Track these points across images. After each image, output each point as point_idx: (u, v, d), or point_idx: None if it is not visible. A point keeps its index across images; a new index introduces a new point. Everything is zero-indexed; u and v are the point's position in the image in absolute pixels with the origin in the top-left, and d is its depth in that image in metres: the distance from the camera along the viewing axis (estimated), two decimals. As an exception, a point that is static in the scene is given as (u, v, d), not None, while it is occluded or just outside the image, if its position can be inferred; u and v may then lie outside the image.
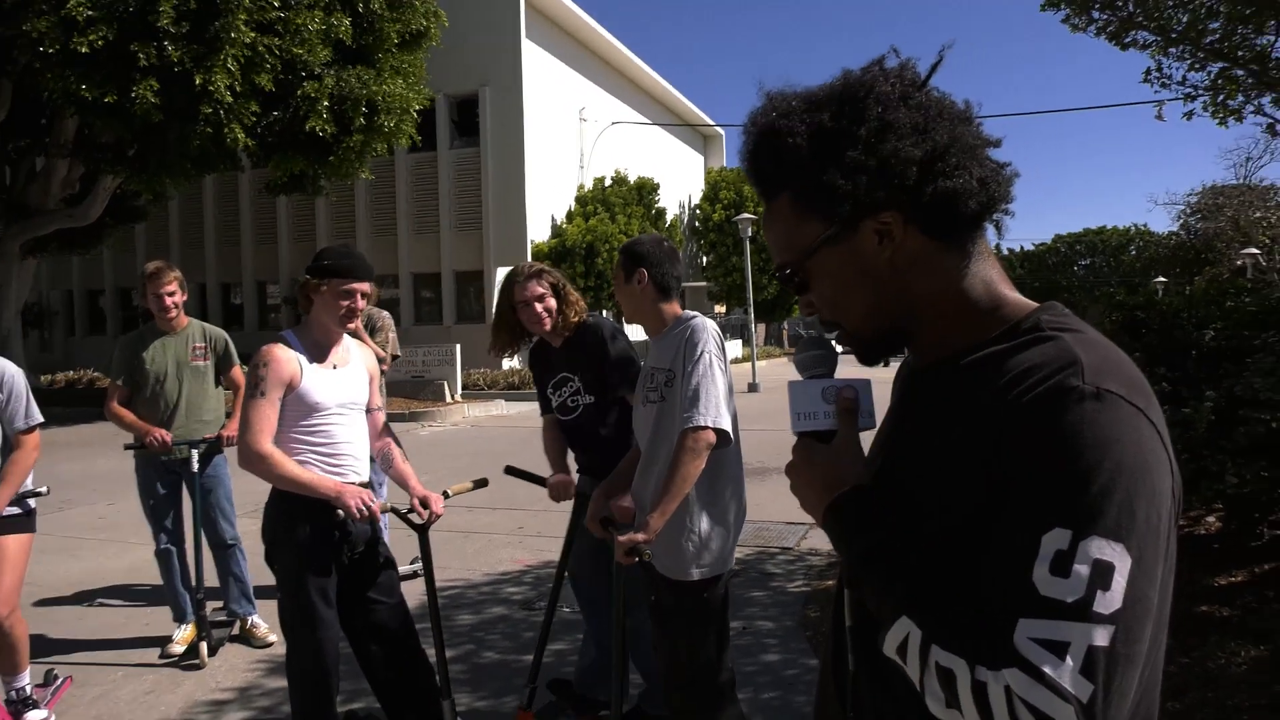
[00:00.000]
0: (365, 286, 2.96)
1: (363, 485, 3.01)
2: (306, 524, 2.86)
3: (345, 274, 2.90)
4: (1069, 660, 0.77)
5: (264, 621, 4.49)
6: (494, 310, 3.49)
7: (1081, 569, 0.78)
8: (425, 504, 3.00)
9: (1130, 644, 0.79)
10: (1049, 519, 0.80)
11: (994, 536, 0.84)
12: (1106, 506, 0.79)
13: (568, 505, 3.45)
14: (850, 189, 0.95)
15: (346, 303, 2.91)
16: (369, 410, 3.17)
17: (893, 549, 0.92)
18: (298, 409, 2.90)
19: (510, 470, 3.44)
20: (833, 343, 1.11)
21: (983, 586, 0.84)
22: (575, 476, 3.43)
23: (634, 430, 2.86)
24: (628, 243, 2.84)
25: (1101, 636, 0.77)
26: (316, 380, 2.93)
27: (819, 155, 0.96)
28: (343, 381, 3.02)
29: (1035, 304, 0.99)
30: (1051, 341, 0.90)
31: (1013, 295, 1.00)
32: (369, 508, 2.81)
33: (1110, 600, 0.78)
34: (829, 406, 1.03)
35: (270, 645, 4.36)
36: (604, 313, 25.27)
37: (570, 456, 3.47)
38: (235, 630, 4.50)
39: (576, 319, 3.32)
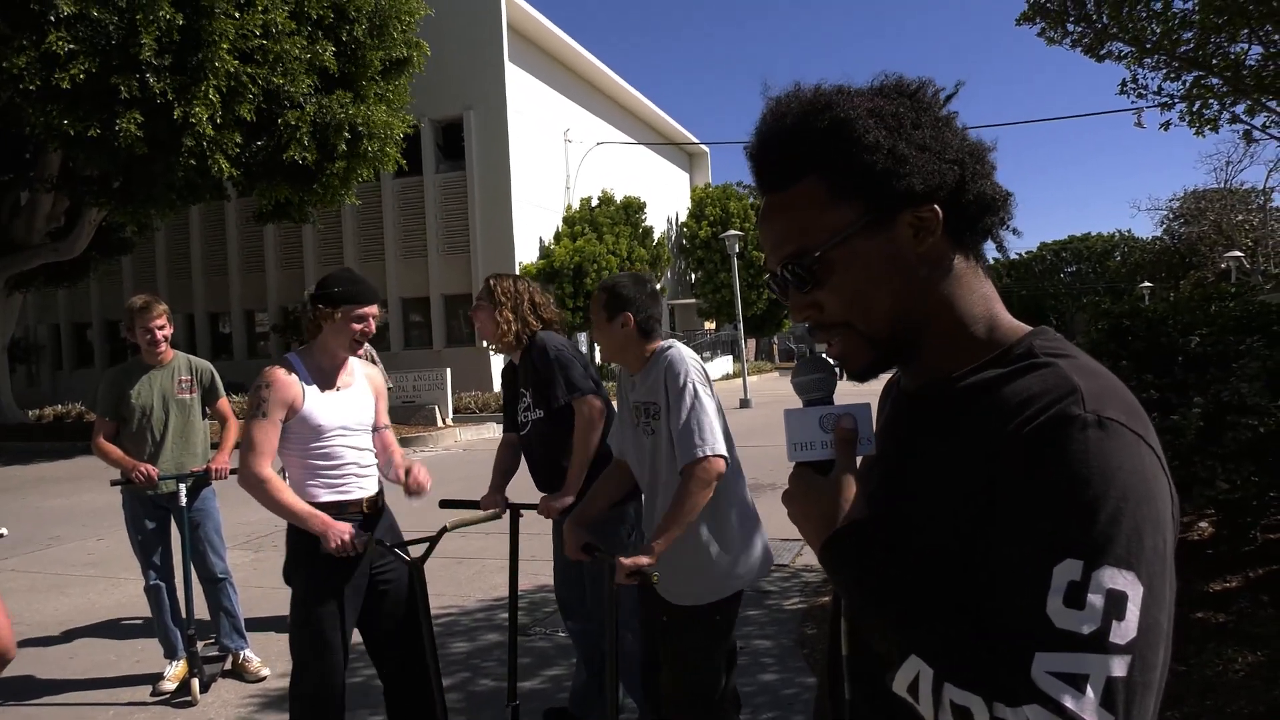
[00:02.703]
0: (376, 310, 3.03)
1: (370, 500, 3.06)
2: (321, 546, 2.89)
3: (357, 300, 2.96)
4: (1089, 693, 0.76)
5: (256, 656, 4.45)
6: None
7: (1095, 599, 0.78)
8: (409, 473, 3.11)
9: (1146, 671, 0.78)
10: (1059, 550, 0.80)
11: (1000, 568, 0.83)
12: (1116, 535, 0.79)
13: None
14: (917, 170, 0.93)
15: (360, 327, 2.98)
16: (376, 428, 3.20)
17: (895, 586, 0.90)
18: (301, 431, 2.94)
19: (445, 503, 3.45)
20: (832, 363, 1.06)
21: (992, 619, 0.83)
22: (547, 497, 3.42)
23: (628, 458, 2.83)
24: (609, 283, 2.80)
25: (1119, 667, 0.77)
26: (319, 404, 2.97)
27: (880, 133, 0.93)
28: (346, 403, 3.06)
29: (1027, 327, 0.99)
30: (1048, 368, 0.89)
31: (1006, 317, 1.00)
32: (353, 544, 2.83)
33: (1126, 630, 0.78)
34: (827, 436, 0.99)
35: (263, 680, 4.31)
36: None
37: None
38: (227, 665, 4.45)
39: (513, 333, 3.40)
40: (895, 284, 0.95)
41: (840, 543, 0.94)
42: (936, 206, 0.94)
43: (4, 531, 3.61)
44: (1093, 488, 0.80)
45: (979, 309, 0.98)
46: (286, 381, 2.91)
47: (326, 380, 3.02)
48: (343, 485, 3.00)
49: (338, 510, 2.95)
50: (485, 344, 3.50)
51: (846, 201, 0.95)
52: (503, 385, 3.72)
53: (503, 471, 3.58)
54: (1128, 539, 0.79)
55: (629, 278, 2.81)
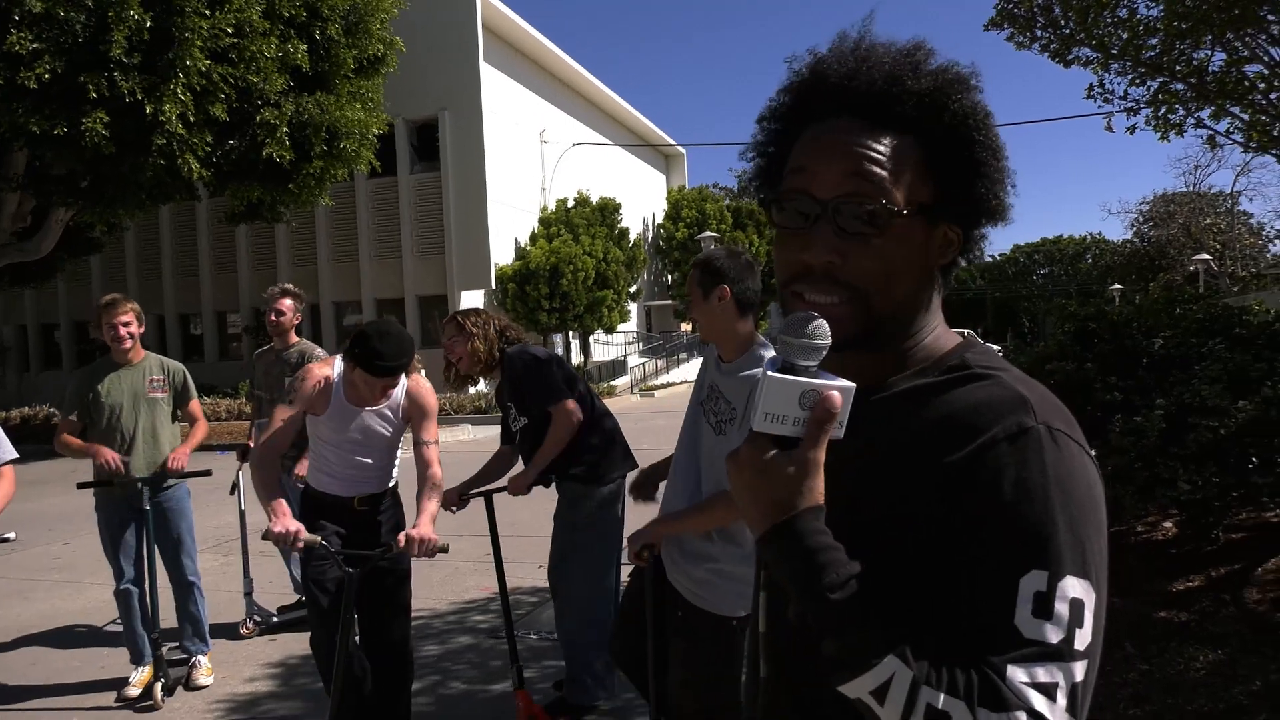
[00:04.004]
0: (388, 380, 3.18)
1: (366, 499, 3.41)
2: (319, 519, 3.30)
3: (366, 368, 3.11)
4: (1060, 699, 0.79)
5: (208, 662, 4.41)
6: None
7: (1061, 609, 0.80)
8: (407, 541, 3.07)
9: (1093, 671, 0.82)
10: (1024, 562, 0.81)
11: (964, 579, 0.84)
12: (1073, 544, 0.82)
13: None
14: (996, 195, 0.97)
15: (364, 391, 3.22)
16: (424, 443, 3.33)
17: (868, 584, 0.84)
18: (315, 429, 3.36)
19: (467, 494, 3.76)
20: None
21: (958, 627, 0.83)
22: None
23: (685, 440, 2.72)
24: (703, 258, 2.67)
25: (1080, 672, 0.80)
26: (336, 414, 3.29)
27: (999, 142, 0.97)
28: (362, 421, 3.31)
29: (957, 337, 1.02)
30: (990, 380, 0.91)
31: (945, 330, 1.03)
32: (291, 539, 2.95)
33: (1084, 636, 0.80)
34: (803, 413, 0.87)
35: (203, 689, 4.25)
36: (570, 334, 25.26)
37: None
38: (193, 670, 4.40)
39: (484, 360, 3.69)
40: (913, 278, 0.97)
41: (795, 530, 0.86)
42: (960, 231, 0.98)
43: (11, 536, 3.64)
44: (1052, 499, 0.82)
45: (934, 323, 1.01)
46: (311, 390, 3.24)
47: (357, 396, 3.28)
48: (335, 482, 3.37)
49: (325, 499, 3.36)
50: (460, 372, 3.80)
51: (927, 181, 0.94)
52: (498, 402, 4.00)
53: (486, 475, 3.85)
54: (1084, 548, 0.82)
55: (723, 251, 2.68)
